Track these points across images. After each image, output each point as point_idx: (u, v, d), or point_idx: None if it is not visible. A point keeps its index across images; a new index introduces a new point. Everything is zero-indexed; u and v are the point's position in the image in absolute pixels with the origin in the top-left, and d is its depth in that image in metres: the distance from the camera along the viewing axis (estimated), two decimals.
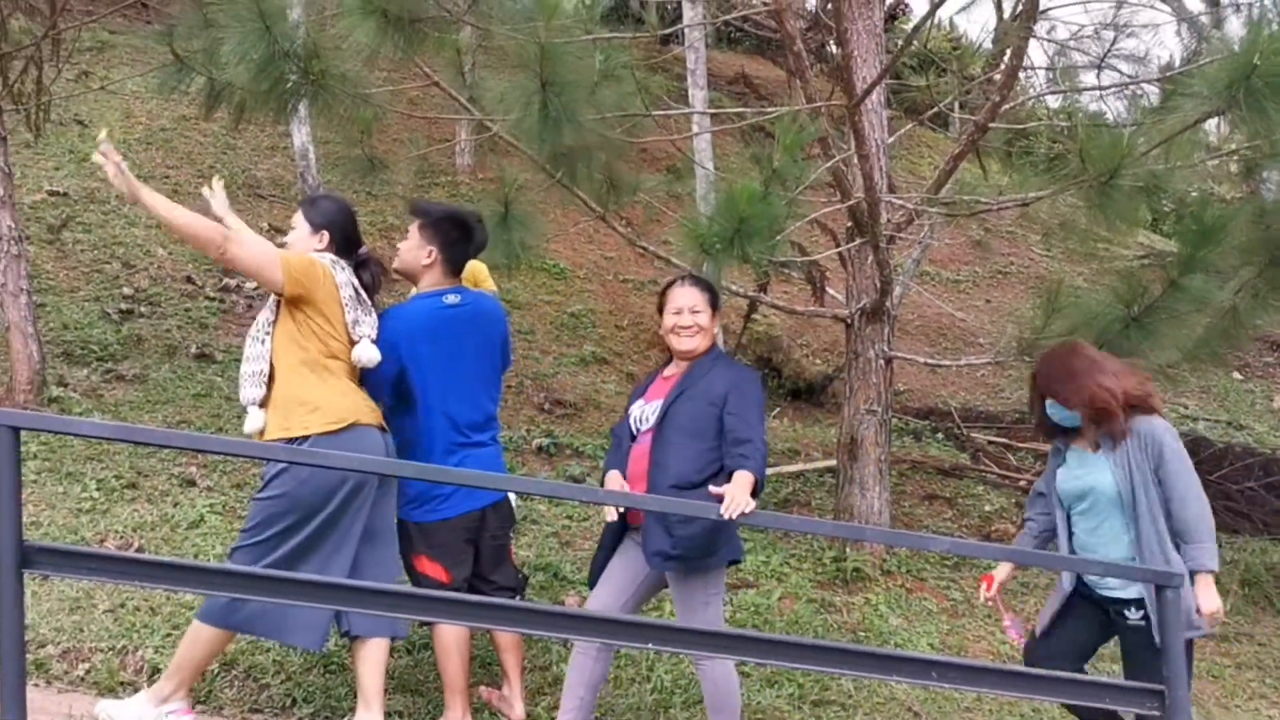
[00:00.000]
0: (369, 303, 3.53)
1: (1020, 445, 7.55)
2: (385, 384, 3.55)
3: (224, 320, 7.23)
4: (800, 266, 6.33)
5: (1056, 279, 5.30)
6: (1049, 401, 3.49)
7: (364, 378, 3.53)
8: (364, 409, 3.39)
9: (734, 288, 5.91)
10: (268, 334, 3.36)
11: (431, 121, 10.16)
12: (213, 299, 7.40)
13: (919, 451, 7.45)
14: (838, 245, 5.58)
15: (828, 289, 6.41)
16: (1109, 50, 5.74)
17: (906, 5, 16.90)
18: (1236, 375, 10.53)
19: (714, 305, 3.53)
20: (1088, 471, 3.43)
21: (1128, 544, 3.36)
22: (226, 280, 7.63)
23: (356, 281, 3.49)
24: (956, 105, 9.25)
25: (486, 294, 3.90)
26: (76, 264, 7.41)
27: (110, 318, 6.85)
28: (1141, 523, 3.31)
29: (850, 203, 5.01)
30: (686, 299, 3.49)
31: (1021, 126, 5.98)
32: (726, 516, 2.92)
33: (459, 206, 3.87)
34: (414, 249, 3.68)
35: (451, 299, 3.66)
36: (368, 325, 3.47)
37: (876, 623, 5.06)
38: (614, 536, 3.54)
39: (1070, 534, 3.53)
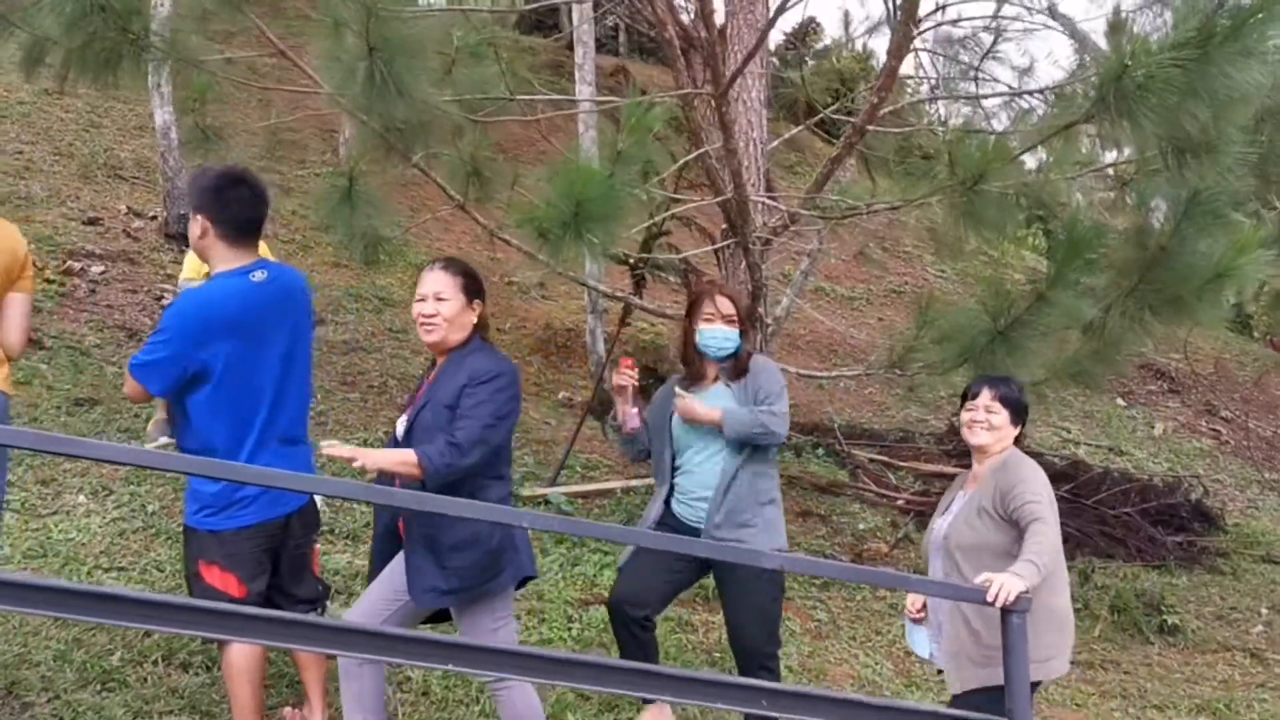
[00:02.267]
0: None
1: (900, 465, 7.41)
2: (168, 380, 3.08)
3: (62, 304, 6.68)
4: (675, 268, 6.09)
5: (929, 293, 5.16)
6: (722, 328, 3.57)
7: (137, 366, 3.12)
8: None
9: (602, 288, 5.63)
10: None
11: (318, 113, 9.70)
12: (52, 281, 6.83)
13: (798, 467, 7.24)
14: (713, 245, 5.35)
15: None
16: (987, 53, 5.64)
17: (816, 22, 17.01)
18: (1120, 401, 10.63)
19: (469, 292, 3.04)
20: (711, 405, 3.60)
21: (719, 463, 3.59)
22: (70, 263, 7.09)
23: None
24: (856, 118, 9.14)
25: (287, 266, 3.51)
26: None
27: None
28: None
29: (720, 199, 4.77)
30: (430, 285, 2.98)
31: (900, 130, 5.84)
32: (322, 454, 2.62)
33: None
34: (192, 231, 3.23)
35: (259, 275, 3.22)
36: None
37: None
38: (385, 544, 3.19)
39: (675, 465, 3.71)
